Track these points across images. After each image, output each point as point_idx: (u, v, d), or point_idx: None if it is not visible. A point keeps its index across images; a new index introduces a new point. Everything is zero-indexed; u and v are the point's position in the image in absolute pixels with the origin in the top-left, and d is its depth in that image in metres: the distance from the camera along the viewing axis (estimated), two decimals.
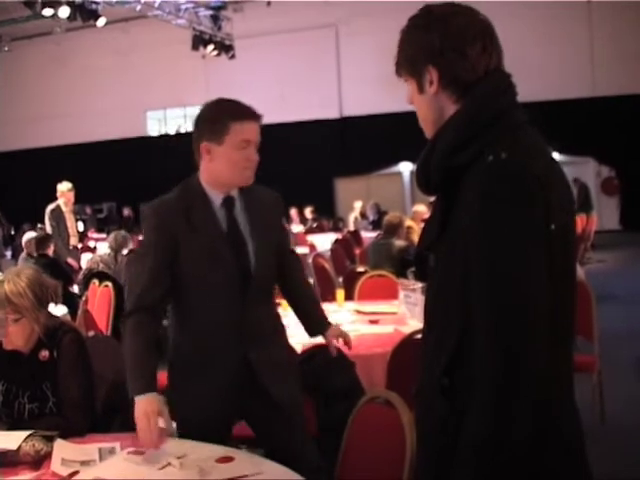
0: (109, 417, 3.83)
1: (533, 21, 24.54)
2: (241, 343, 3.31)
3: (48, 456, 3.07)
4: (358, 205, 20.46)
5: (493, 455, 1.87)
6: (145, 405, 3.02)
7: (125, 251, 9.81)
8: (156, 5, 20.55)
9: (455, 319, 2.01)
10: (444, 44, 2.08)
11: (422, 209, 11.20)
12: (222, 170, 3.35)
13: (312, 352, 3.85)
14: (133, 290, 3.30)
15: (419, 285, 4.85)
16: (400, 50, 2.21)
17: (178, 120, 30.71)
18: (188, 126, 30.35)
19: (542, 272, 1.90)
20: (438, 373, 2.04)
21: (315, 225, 20.72)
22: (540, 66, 24.11)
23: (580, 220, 18.52)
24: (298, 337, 4.51)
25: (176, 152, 27.99)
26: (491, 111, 2.06)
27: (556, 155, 25.59)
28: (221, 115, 3.32)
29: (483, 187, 1.93)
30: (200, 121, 3.40)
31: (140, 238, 13.59)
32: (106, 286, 7.93)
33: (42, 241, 9.94)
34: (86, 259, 10.69)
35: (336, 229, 20.33)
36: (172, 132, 30.80)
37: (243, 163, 3.35)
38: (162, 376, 3.39)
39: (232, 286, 3.32)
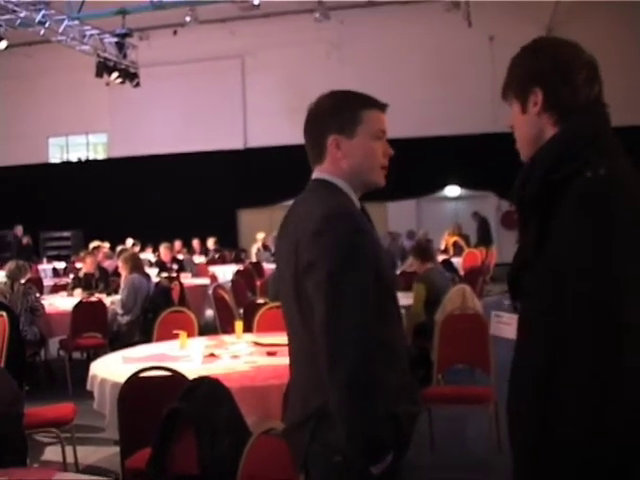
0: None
1: (438, 59, 25.03)
2: None
3: None
4: (260, 236, 20.43)
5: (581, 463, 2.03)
6: None
7: (23, 280, 9.63)
8: (60, 30, 20.27)
9: (545, 332, 2.16)
10: (553, 69, 2.30)
11: None
12: (360, 164, 2.78)
13: (194, 384, 3.79)
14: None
15: None
16: (509, 73, 2.45)
17: (80, 147, 30.32)
18: (91, 154, 30.02)
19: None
20: (531, 384, 2.21)
21: (217, 256, 20.65)
22: (442, 101, 24.59)
23: (480, 253, 18.86)
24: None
25: (78, 180, 27.77)
26: (587, 135, 2.23)
27: (457, 189, 26.08)
28: (349, 104, 2.80)
29: (581, 201, 2.10)
30: (322, 113, 2.81)
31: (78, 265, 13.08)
32: (0, 315, 7.75)
33: None
34: None
35: (238, 260, 20.30)
36: (74, 159, 30.35)
37: (382, 158, 2.82)
38: None
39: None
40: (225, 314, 9.81)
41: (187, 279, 14.15)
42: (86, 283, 11.53)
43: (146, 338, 8.00)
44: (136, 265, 10.18)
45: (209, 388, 3.68)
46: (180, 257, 17.28)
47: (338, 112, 2.77)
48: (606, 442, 2.01)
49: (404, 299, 8.92)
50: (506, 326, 2.54)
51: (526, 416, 2.26)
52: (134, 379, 4.67)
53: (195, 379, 3.91)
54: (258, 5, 19.87)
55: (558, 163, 2.21)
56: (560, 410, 2.11)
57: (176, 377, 4.56)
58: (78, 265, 15.58)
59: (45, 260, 22.83)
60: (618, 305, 2.03)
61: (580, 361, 2.05)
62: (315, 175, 2.82)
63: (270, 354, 5.80)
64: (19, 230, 23.39)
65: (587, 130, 2.26)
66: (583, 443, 2.03)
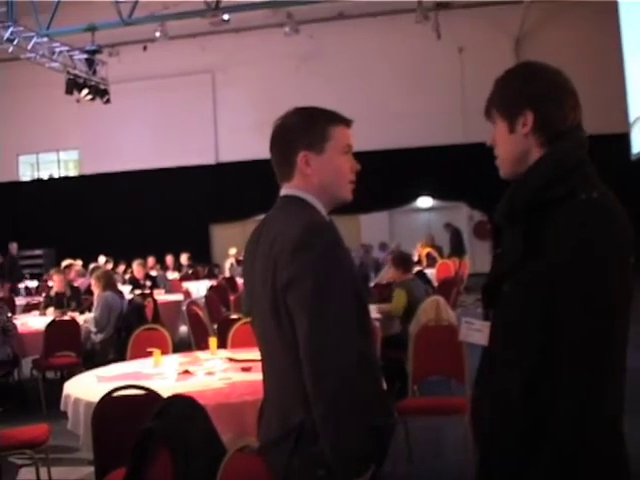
0: None
1: (407, 71, 25.14)
2: None
3: None
4: (233, 251, 20.41)
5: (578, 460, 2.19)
6: None
7: None
8: (29, 47, 20.19)
9: (534, 339, 2.27)
10: (546, 93, 2.41)
11: None
12: (330, 180, 2.78)
13: (168, 402, 3.76)
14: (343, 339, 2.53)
15: None
16: (496, 93, 2.53)
17: (51, 165, 30.16)
18: (62, 171, 29.87)
19: (624, 307, 2.23)
20: (514, 390, 2.31)
21: (190, 272, 20.56)
22: (412, 113, 24.67)
23: (453, 264, 18.90)
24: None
25: (49, 198, 27.60)
26: (575, 159, 2.37)
27: (429, 200, 26.14)
28: (317, 121, 2.80)
29: (579, 222, 2.22)
30: (291, 130, 2.79)
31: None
32: None
33: None
34: None
35: (211, 276, 20.22)
36: (45, 177, 30.19)
37: (350, 174, 2.83)
38: None
39: None
40: (199, 330, 9.77)
41: (160, 295, 14.10)
42: (58, 302, 11.44)
43: (120, 356, 7.95)
44: (109, 283, 10.13)
45: (183, 406, 3.65)
46: (153, 273, 17.21)
47: (307, 129, 2.76)
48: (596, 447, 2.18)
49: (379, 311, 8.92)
50: (477, 332, 2.58)
51: (510, 421, 2.33)
52: (108, 398, 4.64)
53: (169, 397, 3.87)
54: (228, 20, 19.90)
55: (548, 184, 2.32)
56: (549, 416, 2.22)
57: (150, 395, 4.54)
58: (50, 284, 15.49)
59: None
60: (612, 326, 2.19)
61: (573, 373, 2.18)
62: (284, 192, 2.81)
63: (245, 370, 5.78)
64: (13, 247, 23.15)
65: (574, 155, 2.38)
66: (573, 448, 2.17)
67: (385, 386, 3.91)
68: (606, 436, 2.22)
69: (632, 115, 18.64)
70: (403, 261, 9.50)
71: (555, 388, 2.21)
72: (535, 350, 2.27)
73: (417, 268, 15.35)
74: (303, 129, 2.77)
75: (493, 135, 2.55)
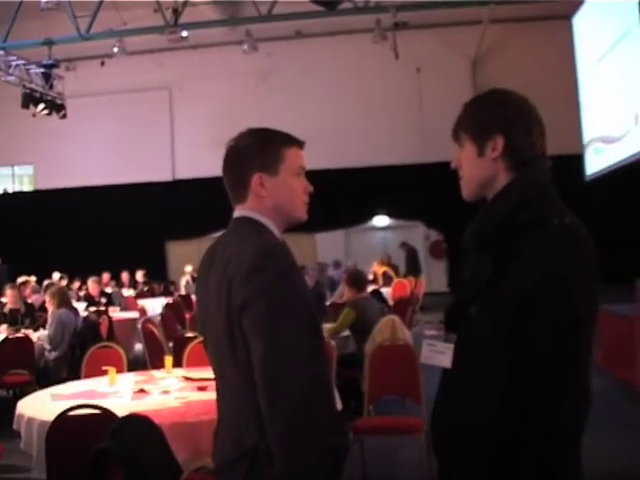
0: None
1: (365, 90, 25.28)
2: None
3: None
4: (189, 269, 20.36)
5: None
6: None
7: None
8: None
9: (502, 362, 2.33)
10: (517, 119, 2.46)
11: None
12: (284, 201, 2.79)
13: (123, 422, 3.74)
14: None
15: None
16: (466, 117, 2.58)
17: (6, 179, 29.88)
18: (16, 186, 29.60)
19: (591, 331, 2.32)
20: (488, 410, 2.35)
21: (146, 289, 20.43)
22: (369, 132, 24.80)
23: (409, 283, 18.96)
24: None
25: (3, 213, 27.30)
26: (540, 186, 2.44)
27: (385, 219, 26.24)
28: (271, 143, 2.80)
29: (552, 247, 2.30)
30: (245, 152, 2.78)
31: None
32: None
33: None
34: None
35: (167, 293, 20.13)
36: None
37: (304, 195, 2.84)
38: None
39: None
40: (154, 348, 9.70)
41: (116, 313, 14.00)
42: (11, 319, 11.32)
43: (74, 374, 7.88)
44: (63, 300, 10.04)
45: (139, 425, 3.62)
46: (108, 290, 17.08)
47: (261, 150, 2.76)
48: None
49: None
50: (439, 355, 2.60)
51: (475, 440, 2.38)
52: (62, 417, 4.59)
53: (124, 417, 3.85)
54: (186, 37, 19.86)
55: (516, 209, 2.38)
56: (517, 434, 2.27)
57: (105, 415, 4.50)
58: (3, 300, 15.31)
59: None
60: (578, 343, 2.27)
61: (541, 393, 2.25)
62: (238, 213, 2.81)
63: (200, 389, 5.76)
64: None
65: (540, 182, 2.46)
66: (540, 467, 2.23)
67: (340, 405, 3.90)
68: (571, 455, 2.27)
69: (586, 137, 18.88)
70: (356, 280, 9.48)
71: (522, 408, 2.26)
72: (502, 371, 2.32)
73: (373, 287, 15.42)
74: (257, 151, 2.76)
75: (458, 157, 2.60)
